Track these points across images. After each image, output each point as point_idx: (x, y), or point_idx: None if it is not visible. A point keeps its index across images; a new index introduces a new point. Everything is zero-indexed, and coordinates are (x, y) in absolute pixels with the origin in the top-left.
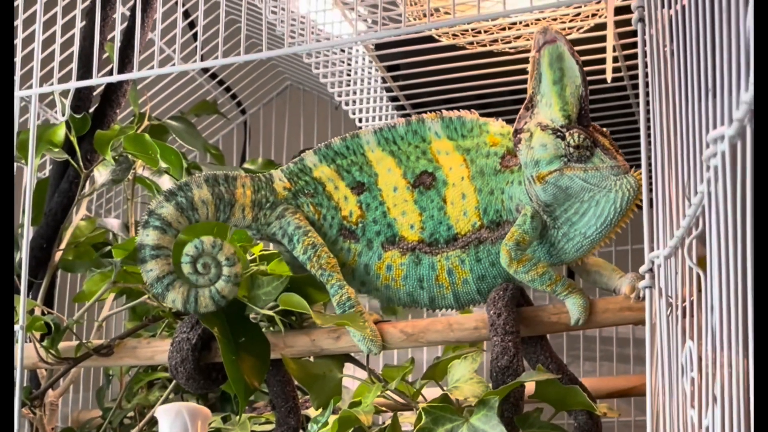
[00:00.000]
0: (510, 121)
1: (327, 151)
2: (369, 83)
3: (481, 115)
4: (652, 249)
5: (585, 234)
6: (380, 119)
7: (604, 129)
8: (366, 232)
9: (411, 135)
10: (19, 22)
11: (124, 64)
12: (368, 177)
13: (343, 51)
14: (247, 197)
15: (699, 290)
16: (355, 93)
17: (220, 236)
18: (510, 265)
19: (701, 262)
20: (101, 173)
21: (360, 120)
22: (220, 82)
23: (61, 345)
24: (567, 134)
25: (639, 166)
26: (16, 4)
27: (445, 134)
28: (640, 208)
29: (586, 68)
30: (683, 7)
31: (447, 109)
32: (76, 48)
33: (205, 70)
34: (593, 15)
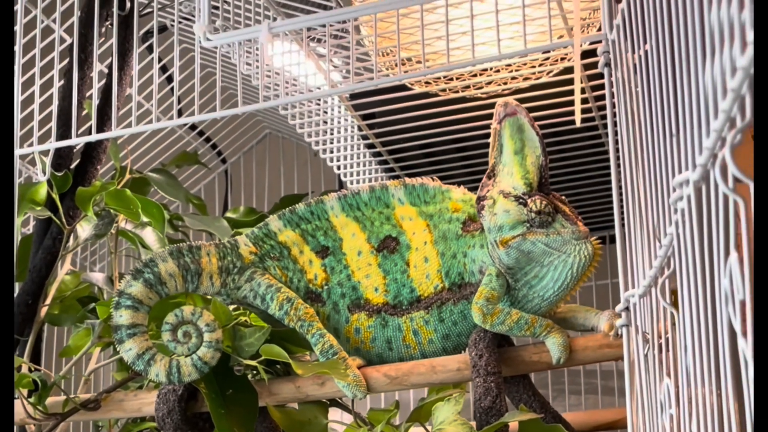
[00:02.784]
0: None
1: (291, 216)
2: (345, 131)
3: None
4: (627, 286)
5: (543, 297)
6: (358, 166)
7: (563, 197)
8: (331, 295)
9: (375, 201)
10: None
11: (103, 122)
12: (333, 241)
13: (318, 101)
14: (214, 264)
15: (673, 324)
16: (332, 142)
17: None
18: (485, 321)
19: (675, 298)
20: (84, 228)
21: (338, 168)
22: (200, 133)
23: (49, 400)
24: (529, 201)
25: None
26: None
27: (408, 201)
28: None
29: (557, 110)
30: (646, 53)
31: (423, 154)
32: (54, 107)
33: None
34: (562, 59)
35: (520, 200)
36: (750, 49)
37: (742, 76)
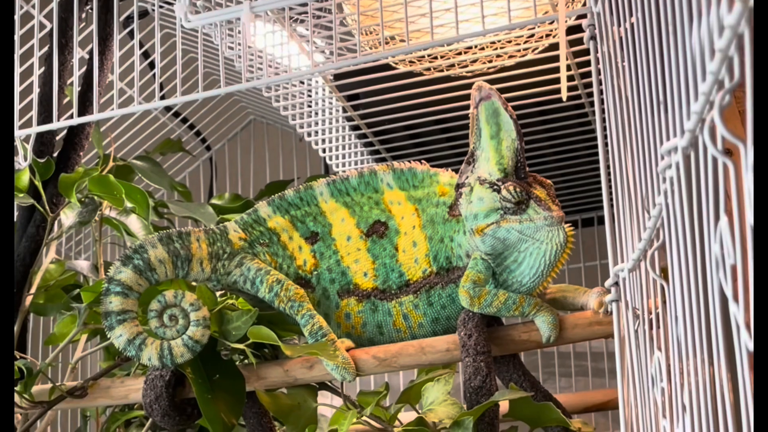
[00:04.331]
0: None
1: (281, 202)
2: (330, 113)
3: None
4: (616, 260)
5: (521, 282)
6: (343, 148)
7: (546, 180)
8: (321, 281)
9: (364, 186)
10: None
11: (85, 107)
12: (322, 227)
13: (302, 83)
14: (203, 250)
15: (664, 301)
16: (316, 124)
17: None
18: (472, 304)
19: (665, 273)
20: (68, 216)
21: (324, 150)
22: (184, 120)
23: (35, 389)
24: (502, 188)
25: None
26: None
27: (397, 185)
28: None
29: (544, 88)
30: (632, 25)
31: (408, 135)
32: (35, 94)
33: (168, 109)
34: (547, 35)
35: (494, 187)
36: (738, 7)
37: (730, 36)
